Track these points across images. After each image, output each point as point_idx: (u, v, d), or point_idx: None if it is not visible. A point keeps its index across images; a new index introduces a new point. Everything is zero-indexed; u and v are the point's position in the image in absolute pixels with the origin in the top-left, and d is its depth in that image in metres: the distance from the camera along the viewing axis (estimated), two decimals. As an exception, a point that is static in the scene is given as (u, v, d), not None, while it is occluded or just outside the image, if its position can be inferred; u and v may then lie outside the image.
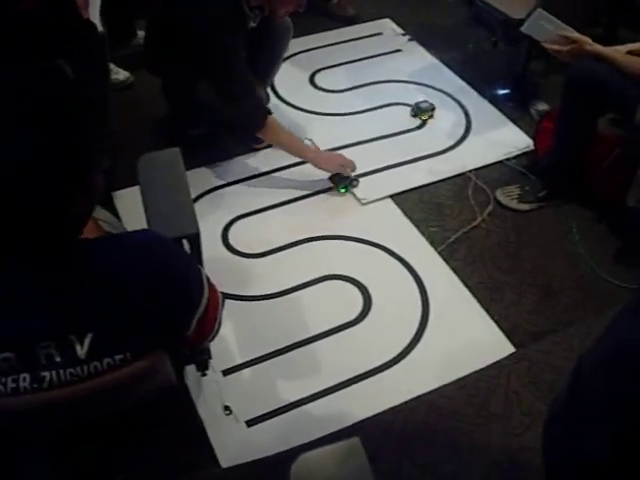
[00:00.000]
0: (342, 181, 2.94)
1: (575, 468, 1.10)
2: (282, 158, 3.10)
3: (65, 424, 1.37)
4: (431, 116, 3.35)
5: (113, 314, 1.20)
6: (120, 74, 3.42)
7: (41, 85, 1.14)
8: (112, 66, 3.37)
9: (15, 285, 1.16)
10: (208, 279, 1.41)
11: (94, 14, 2.48)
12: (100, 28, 2.50)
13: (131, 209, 2.65)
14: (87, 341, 1.18)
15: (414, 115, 3.35)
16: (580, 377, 1.09)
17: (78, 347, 1.18)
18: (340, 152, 3.06)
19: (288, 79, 3.62)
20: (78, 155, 1.14)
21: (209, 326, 1.44)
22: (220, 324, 1.48)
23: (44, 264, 1.17)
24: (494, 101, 3.48)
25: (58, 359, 1.18)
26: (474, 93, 3.56)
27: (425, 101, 3.38)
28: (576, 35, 2.54)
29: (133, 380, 1.27)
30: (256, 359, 2.32)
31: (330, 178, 2.95)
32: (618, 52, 2.52)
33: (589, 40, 2.53)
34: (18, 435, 1.35)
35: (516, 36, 3.25)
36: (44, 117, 1.09)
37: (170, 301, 1.27)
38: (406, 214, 2.86)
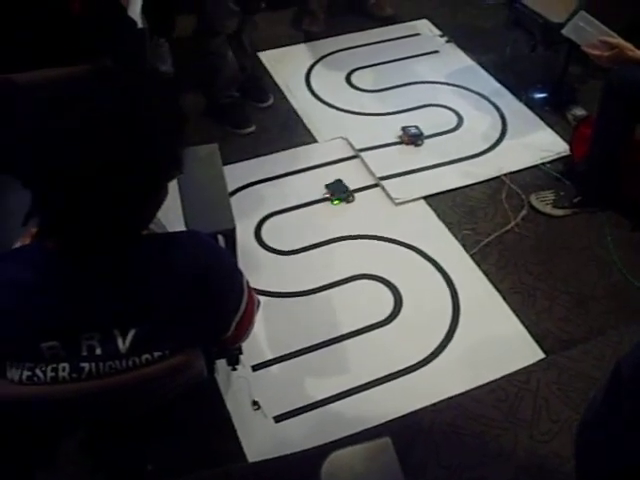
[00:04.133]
0: (338, 193, 2.93)
1: (610, 473, 1.09)
2: (316, 156, 3.12)
3: (99, 415, 1.39)
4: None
5: (158, 313, 1.22)
6: (161, 67, 3.44)
7: (146, 91, 1.18)
8: (154, 58, 3.41)
9: (71, 275, 1.18)
10: (248, 283, 1.43)
11: (134, 10, 2.50)
12: (140, 25, 2.52)
13: (167, 203, 2.66)
14: (130, 337, 1.21)
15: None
16: (618, 382, 1.09)
17: (120, 342, 1.21)
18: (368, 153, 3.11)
19: (325, 78, 3.65)
20: (173, 161, 1.19)
21: (245, 328, 1.46)
22: (253, 327, 1.51)
23: (103, 259, 1.19)
24: (530, 105, 3.46)
25: (99, 352, 1.20)
26: (511, 96, 3.54)
27: (415, 127, 3.30)
28: (618, 40, 2.51)
29: (168, 374, 1.29)
30: (286, 355, 2.34)
31: (327, 186, 2.95)
32: None
33: (631, 46, 2.50)
34: (55, 424, 1.37)
35: (555, 40, 3.23)
36: (152, 126, 1.13)
37: (213, 303, 1.30)
38: (439, 216, 2.86)
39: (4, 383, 1.20)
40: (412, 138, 3.21)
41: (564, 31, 2.71)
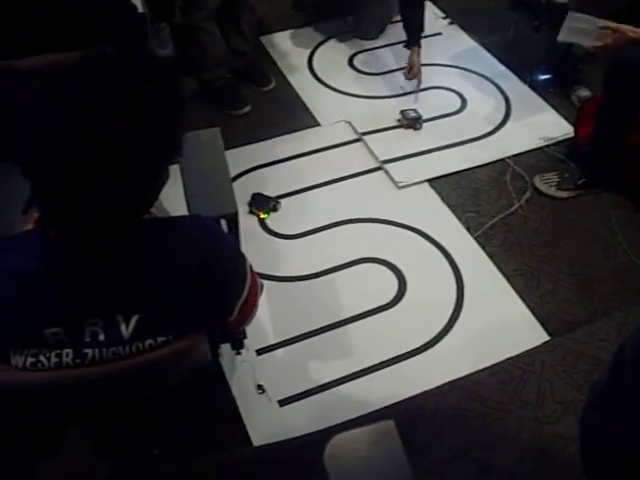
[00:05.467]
0: (262, 206, 2.80)
1: (614, 454, 1.09)
2: (319, 140, 3.11)
3: (103, 401, 1.39)
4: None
5: (161, 297, 1.22)
6: (161, 52, 3.44)
7: (146, 75, 1.17)
8: (155, 43, 3.40)
9: (72, 262, 1.18)
10: (251, 267, 1.43)
11: (135, -6, 2.49)
12: (140, 9, 2.52)
13: (168, 187, 2.65)
14: (133, 322, 1.21)
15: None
16: (622, 363, 1.08)
17: (123, 327, 1.21)
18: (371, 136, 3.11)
19: (327, 61, 3.63)
20: (173, 145, 1.19)
21: (248, 312, 1.46)
22: (257, 309, 1.51)
23: (105, 246, 1.19)
24: (534, 86, 3.44)
25: (102, 337, 1.20)
26: (514, 78, 3.52)
27: (414, 110, 3.28)
28: (616, 25, 2.49)
29: (172, 359, 1.29)
30: (290, 339, 2.34)
31: (250, 204, 2.81)
32: None
33: (631, 27, 2.48)
34: (59, 410, 1.38)
35: (559, 20, 3.20)
36: (152, 110, 1.12)
37: (215, 288, 1.30)
38: (443, 199, 2.85)
39: (8, 369, 1.20)
40: (411, 122, 3.20)
41: (560, 38, 2.71)
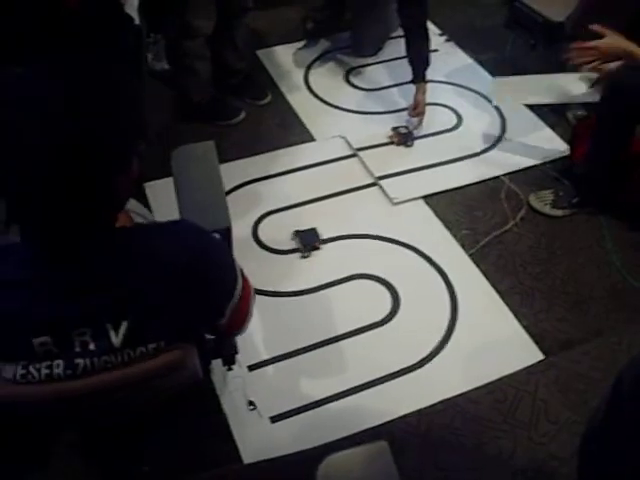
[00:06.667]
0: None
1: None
2: (314, 155, 3.11)
3: (92, 416, 1.37)
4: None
5: (149, 301, 1.20)
6: (156, 65, 3.43)
7: (88, 71, 1.14)
8: (149, 57, 3.40)
9: (56, 269, 1.16)
10: (242, 271, 1.41)
11: (132, 6, 2.50)
12: (137, 21, 2.52)
13: (162, 200, 2.66)
14: (122, 330, 1.19)
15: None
16: (620, 397, 1.07)
17: (113, 335, 1.19)
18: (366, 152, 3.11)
19: (323, 76, 3.63)
20: (125, 138, 1.15)
21: (241, 317, 1.45)
22: (251, 316, 1.49)
23: (83, 249, 1.17)
24: (530, 104, 3.44)
25: (92, 347, 1.19)
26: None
27: (405, 127, 3.29)
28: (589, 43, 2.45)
29: (161, 372, 1.27)
30: (282, 355, 2.32)
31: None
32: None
33: (606, 31, 2.42)
34: (47, 424, 1.36)
35: (555, 39, 3.22)
36: (92, 102, 1.09)
37: (205, 288, 1.28)
38: (438, 215, 2.84)
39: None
40: (402, 138, 3.20)
41: (495, 104, 2.81)
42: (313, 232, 2.74)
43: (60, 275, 1.16)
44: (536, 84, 3.14)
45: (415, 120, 3.22)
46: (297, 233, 2.73)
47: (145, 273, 1.20)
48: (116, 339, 1.19)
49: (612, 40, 2.41)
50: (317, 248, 2.70)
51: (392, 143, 3.21)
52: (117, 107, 1.14)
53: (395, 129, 3.23)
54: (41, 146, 1.04)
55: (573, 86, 2.99)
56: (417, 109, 3.19)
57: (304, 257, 2.66)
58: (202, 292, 1.27)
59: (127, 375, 1.23)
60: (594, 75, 2.82)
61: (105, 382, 1.22)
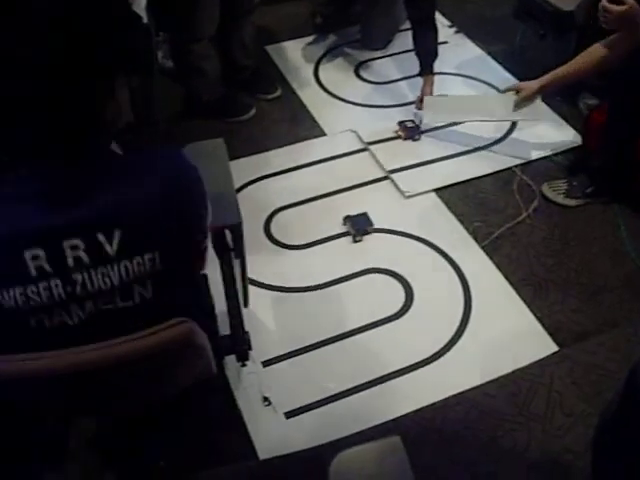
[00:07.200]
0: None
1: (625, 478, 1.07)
2: (325, 149, 3.10)
3: (107, 394, 1.38)
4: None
5: (139, 210, 1.24)
6: (166, 63, 3.43)
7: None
8: (160, 54, 3.40)
9: (47, 182, 1.19)
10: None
11: (139, 5, 2.49)
12: (145, 20, 2.51)
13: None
14: (116, 239, 1.21)
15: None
16: (634, 390, 1.06)
17: (107, 245, 1.21)
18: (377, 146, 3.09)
19: (333, 71, 3.63)
20: (109, 59, 1.20)
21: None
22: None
23: (75, 165, 1.21)
24: (541, 94, 3.42)
25: (86, 260, 1.20)
26: (521, 86, 3.50)
27: (411, 121, 3.27)
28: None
29: (170, 346, 1.29)
30: (296, 351, 2.32)
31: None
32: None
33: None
34: (59, 406, 1.37)
35: (565, 28, 3.19)
36: (76, 21, 1.13)
37: (186, 203, 1.31)
38: (450, 208, 2.84)
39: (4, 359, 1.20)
40: (409, 132, 3.19)
41: (426, 121, 3.11)
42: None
43: (54, 187, 1.19)
44: (465, 103, 3.21)
45: (422, 113, 3.20)
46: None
47: (131, 182, 1.24)
48: (111, 249, 1.21)
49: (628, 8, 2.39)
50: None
51: (399, 137, 3.20)
52: (107, 25, 1.21)
53: (401, 123, 3.22)
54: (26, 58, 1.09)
55: (500, 106, 3.00)
56: (424, 102, 3.18)
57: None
58: (183, 206, 1.30)
59: (137, 347, 1.25)
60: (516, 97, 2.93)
61: (117, 354, 1.24)
